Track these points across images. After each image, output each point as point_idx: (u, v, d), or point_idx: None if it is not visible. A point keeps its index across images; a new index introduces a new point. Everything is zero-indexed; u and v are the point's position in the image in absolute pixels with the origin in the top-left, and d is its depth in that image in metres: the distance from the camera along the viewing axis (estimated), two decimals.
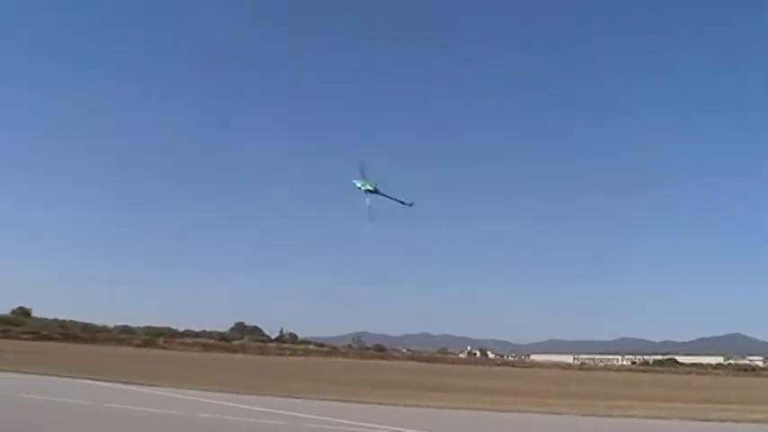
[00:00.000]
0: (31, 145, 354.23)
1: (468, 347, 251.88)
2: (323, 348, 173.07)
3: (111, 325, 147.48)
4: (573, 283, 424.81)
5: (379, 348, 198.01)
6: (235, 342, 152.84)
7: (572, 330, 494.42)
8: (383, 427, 21.60)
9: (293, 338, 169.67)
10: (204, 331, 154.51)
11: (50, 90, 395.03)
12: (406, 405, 30.83)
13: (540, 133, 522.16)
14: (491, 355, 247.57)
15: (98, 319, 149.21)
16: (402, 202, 46.08)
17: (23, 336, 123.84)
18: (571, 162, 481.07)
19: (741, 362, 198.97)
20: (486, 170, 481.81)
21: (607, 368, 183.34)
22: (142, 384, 35.17)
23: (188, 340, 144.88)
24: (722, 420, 29.53)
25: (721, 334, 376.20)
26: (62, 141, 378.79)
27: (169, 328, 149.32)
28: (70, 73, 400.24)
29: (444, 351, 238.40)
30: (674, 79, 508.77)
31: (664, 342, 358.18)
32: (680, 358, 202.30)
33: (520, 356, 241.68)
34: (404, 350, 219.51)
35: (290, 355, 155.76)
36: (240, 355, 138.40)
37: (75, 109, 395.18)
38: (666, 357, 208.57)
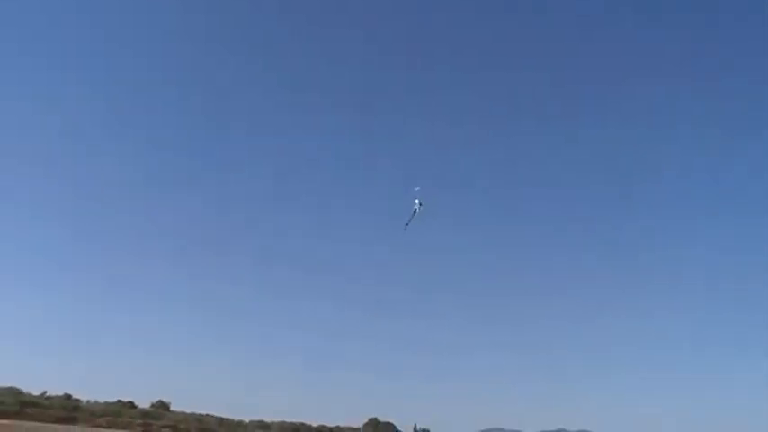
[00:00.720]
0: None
1: None
2: None
3: (246, 419, 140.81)
4: (727, 377, 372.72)
5: None
6: None
7: (724, 428, 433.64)
8: None
9: None
10: (338, 427, 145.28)
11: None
12: None
13: None
14: None
15: (234, 413, 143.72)
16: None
17: (163, 429, 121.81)
18: None
19: None
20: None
21: None
22: None
23: None
24: None
25: None
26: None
27: (303, 424, 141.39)
28: None
29: None
30: None
31: None
32: None
33: None
34: None
35: None
36: None
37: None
38: None
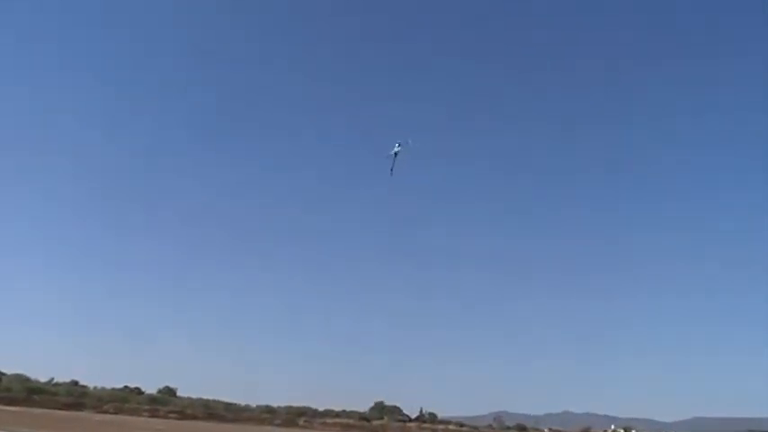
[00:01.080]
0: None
1: (613, 426, 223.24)
2: (463, 428, 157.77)
3: (253, 404, 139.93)
4: (721, 357, 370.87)
5: (521, 428, 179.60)
6: (375, 422, 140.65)
7: (720, 407, 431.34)
8: None
9: (433, 418, 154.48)
10: (344, 411, 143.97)
11: None
12: None
13: None
14: None
15: (241, 398, 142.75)
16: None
17: (170, 415, 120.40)
18: None
19: None
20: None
21: None
22: None
23: (328, 420, 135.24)
24: None
25: None
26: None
27: (310, 408, 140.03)
28: None
29: (587, 430, 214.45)
30: None
31: None
32: None
33: None
34: (545, 429, 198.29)
35: None
36: None
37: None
38: None
